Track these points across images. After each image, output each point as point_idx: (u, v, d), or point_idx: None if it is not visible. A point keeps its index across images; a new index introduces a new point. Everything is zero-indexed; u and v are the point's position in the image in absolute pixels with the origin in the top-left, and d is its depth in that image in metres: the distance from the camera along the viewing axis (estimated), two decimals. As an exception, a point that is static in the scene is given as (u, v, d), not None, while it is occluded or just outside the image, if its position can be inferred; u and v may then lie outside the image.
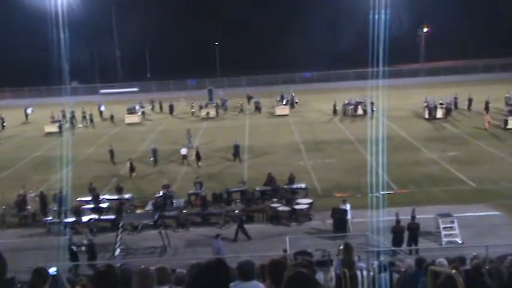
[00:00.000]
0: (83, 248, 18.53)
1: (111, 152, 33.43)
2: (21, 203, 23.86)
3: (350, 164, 29.97)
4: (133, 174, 29.88)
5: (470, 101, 44.61)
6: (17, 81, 71.71)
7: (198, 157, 31.89)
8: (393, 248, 17.77)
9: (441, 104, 42.80)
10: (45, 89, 66.73)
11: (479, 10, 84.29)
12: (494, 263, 5.20)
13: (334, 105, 46.65)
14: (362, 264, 9.79)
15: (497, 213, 21.59)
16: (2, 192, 25.84)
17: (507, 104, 40.96)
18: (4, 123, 48.25)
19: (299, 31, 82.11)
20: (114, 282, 4.04)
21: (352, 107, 45.83)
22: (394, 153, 30.61)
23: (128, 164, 30.19)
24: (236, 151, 32.80)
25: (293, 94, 54.04)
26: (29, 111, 52.83)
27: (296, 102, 52.96)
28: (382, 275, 8.95)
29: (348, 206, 20.79)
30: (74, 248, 18.24)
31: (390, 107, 43.02)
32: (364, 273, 8.54)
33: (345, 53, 74.00)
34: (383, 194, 23.50)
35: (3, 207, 23.51)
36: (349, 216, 20.52)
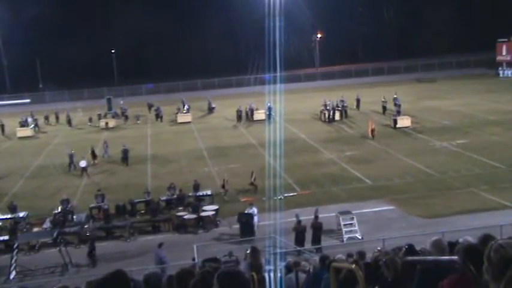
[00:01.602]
0: None
1: None
2: None
3: (254, 168, 30.41)
4: None
5: (358, 101, 47.75)
6: None
7: (94, 155, 33.69)
8: (299, 248, 18.31)
9: (338, 106, 44.85)
10: None
11: (368, 16, 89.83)
12: (390, 255, 5.55)
13: (238, 111, 47.17)
14: (270, 267, 9.99)
15: (391, 207, 23.04)
16: None
17: (395, 105, 43.82)
18: None
19: (198, 38, 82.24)
20: None
21: (251, 111, 46.81)
22: (295, 155, 31.62)
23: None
24: (125, 155, 33.38)
25: (210, 100, 53.93)
26: None
27: (213, 107, 52.91)
28: (289, 275, 9.18)
29: (254, 210, 21.13)
30: None
31: (289, 110, 44.37)
32: (272, 275, 8.71)
33: (245, 59, 75.24)
34: (286, 196, 24.19)
35: None
36: (255, 220, 20.84)
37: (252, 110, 47.09)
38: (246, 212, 21.23)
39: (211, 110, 52.75)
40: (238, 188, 26.68)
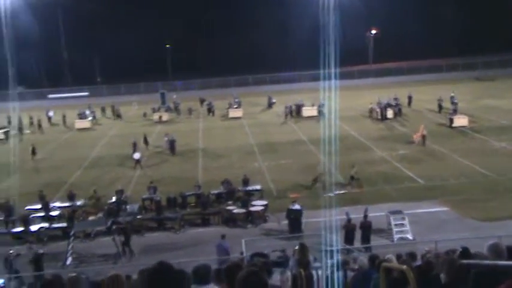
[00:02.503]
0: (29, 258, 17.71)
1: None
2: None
3: (304, 164, 30.32)
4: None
5: (410, 98, 46.66)
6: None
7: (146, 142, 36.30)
8: (347, 247, 18.10)
9: (390, 104, 43.96)
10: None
11: (425, 12, 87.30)
12: (448, 256, 5.39)
13: (286, 107, 47.10)
14: (318, 264, 9.94)
15: (445, 209, 22.37)
16: None
17: (452, 103, 42.51)
18: None
19: (251, 33, 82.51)
20: None
21: (298, 108, 46.64)
22: (346, 152, 31.22)
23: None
24: (171, 145, 34.90)
25: (270, 95, 53.83)
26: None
27: (273, 102, 52.70)
28: (337, 273, 9.10)
29: (297, 207, 21.12)
30: (9, 259, 17.38)
31: (340, 107, 43.86)
32: (319, 272, 8.66)
33: (297, 54, 74.91)
34: (336, 194, 23.95)
35: None
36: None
37: (299, 107, 46.92)
38: (290, 208, 21.17)
39: (271, 105, 52.41)
40: (287, 184, 26.65)
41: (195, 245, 20.01)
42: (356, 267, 9.36)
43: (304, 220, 20.64)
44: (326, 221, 18.28)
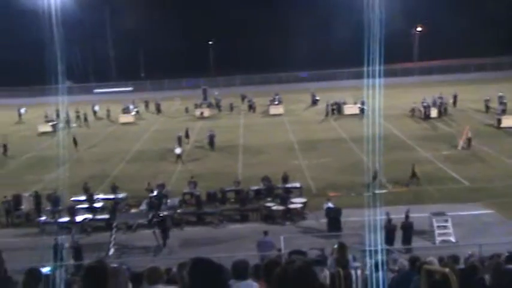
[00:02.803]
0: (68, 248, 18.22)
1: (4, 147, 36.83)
2: (16, 202, 23.76)
3: (344, 163, 30.02)
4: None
5: (455, 97, 45.48)
6: (11, 81, 71.29)
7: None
8: (387, 247, 17.81)
9: (435, 103, 42.95)
10: (39, 89, 66.38)
11: (472, 9, 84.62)
12: (493, 260, 5.23)
13: (327, 105, 46.73)
14: (357, 264, 9.82)
15: (490, 211, 21.69)
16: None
17: (500, 103, 41.15)
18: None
19: (292, 30, 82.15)
20: (104, 278, 4.03)
21: (338, 106, 46.17)
22: (388, 152, 30.68)
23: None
24: (211, 140, 35.57)
25: (314, 92, 53.38)
26: (22, 111, 52.59)
27: (317, 100, 51.97)
28: (376, 274, 8.97)
29: (330, 205, 20.98)
30: (60, 248, 17.99)
31: (384, 106, 43.11)
32: (359, 272, 8.56)
33: (338, 52, 74.13)
34: (377, 193, 23.60)
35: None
36: None
37: (339, 105, 46.44)
38: (329, 206, 20.99)
39: (315, 102, 51.83)
40: (327, 182, 26.47)
41: (233, 241, 20.15)
42: (396, 268, 9.21)
43: (343, 219, 20.44)
44: (366, 221, 18.06)
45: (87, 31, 73.47)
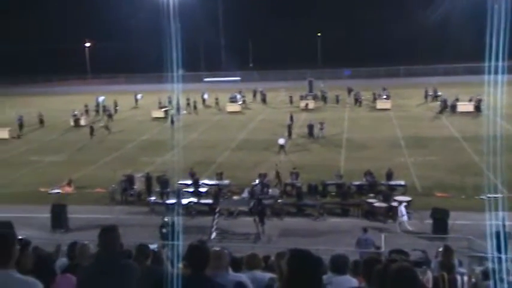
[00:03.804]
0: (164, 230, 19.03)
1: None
2: (129, 182, 25.45)
3: (454, 163, 28.44)
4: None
5: None
6: (129, 68, 76.49)
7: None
8: (499, 255, 16.63)
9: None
10: (154, 76, 70.39)
11: None
12: None
13: (441, 101, 44.50)
14: (463, 269, 9.29)
15: None
16: (113, 170, 27.67)
17: None
18: (117, 107, 51.53)
19: (403, 23, 79.15)
20: (206, 258, 4.21)
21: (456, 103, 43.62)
22: (507, 153, 28.51)
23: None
24: (310, 131, 36.22)
25: (435, 86, 50.95)
26: (138, 96, 56.03)
27: (430, 95, 49.80)
28: (486, 282, 8.41)
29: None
30: (164, 230, 18.90)
31: (503, 104, 40.10)
32: (465, 278, 8.09)
33: (453, 46, 70.21)
34: (490, 197, 22.06)
35: (113, 186, 25.16)
36: (404, 219, 20.09)
37: (454, 101, 43.88)
38: (439, 207, 20.00)
39: (436, 97, 48.75)
40: (434, 182, 25.26)
41: (332, 234, 19.97)
42: (511, 279, 8.56)
43: (450, 221, 19.40)
44: (476, 225, 17.00)
45: (199, 20, 76.27)
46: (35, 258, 6.15)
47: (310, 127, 36.70)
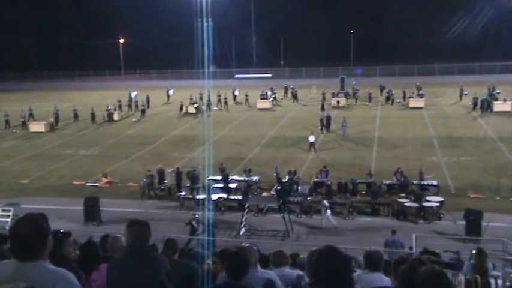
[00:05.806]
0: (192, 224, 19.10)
1: None
2: (160, 176, 25.76)
3: (489, 163, 27.76)
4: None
5: None
6: (162, 64, 77.43)
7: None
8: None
9: None
10: (186, 72, 71.01)
11: None
12: None
13: (473, 99, 43.49)
14: (497, 273, 9.07)
15: None
16: (144, 165, 28.04)
17: None
18: (149, 102, 52.14)
19: (436, 21, 77.69)
20: (245, 267, 4.20)
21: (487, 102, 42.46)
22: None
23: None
24: (328, 122, 36.99)
25: (462, 86, 49.00)
26: (170, 92, 56.58)
27: (465, 94, 47.72)
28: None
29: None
30: (194, 223, 19.03)
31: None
32: (499, 282, 7.89)
33: (491, 43, 68.50)
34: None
35: (145, 180, 25.48)
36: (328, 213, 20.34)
37: (490, 100, 42.73)
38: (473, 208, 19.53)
39: (492, 95, 46.48)
40: (468, 183, 24.71)
41: (362, 233, 19.77)
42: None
43: (484, 223, 18.94)
44: (511, 227, 16.58)
45: (231, 17, 76.56)
46: (80, 247, 6.24)
47: (328, 119, 37.62)
